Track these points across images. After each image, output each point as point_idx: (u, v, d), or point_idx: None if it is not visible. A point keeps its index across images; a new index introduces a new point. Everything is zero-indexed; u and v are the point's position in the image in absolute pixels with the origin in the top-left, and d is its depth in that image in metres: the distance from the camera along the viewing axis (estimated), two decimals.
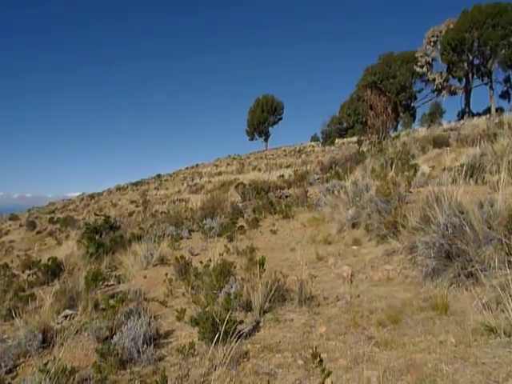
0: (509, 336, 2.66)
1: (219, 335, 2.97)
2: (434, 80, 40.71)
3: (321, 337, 3.22)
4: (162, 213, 13.73)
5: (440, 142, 13.00)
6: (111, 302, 4.17)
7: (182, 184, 30.45)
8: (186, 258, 5.73)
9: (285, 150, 44.58)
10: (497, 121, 15.96)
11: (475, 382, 2.29)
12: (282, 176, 16.99)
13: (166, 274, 5.37)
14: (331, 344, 3.07)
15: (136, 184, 39.25)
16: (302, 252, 5.58)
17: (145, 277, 6.14)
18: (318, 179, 13.54)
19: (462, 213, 3.88)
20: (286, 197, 11.78)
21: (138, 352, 3.16)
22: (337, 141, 38.99)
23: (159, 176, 42.32)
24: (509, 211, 3.53)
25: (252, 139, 59.09)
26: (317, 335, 3.27)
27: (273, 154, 43.28)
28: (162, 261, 6.83)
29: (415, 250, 4.30)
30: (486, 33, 33.77)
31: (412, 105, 44.60)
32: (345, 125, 45.77)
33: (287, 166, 27.18)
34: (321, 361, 1.94)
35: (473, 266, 3.55)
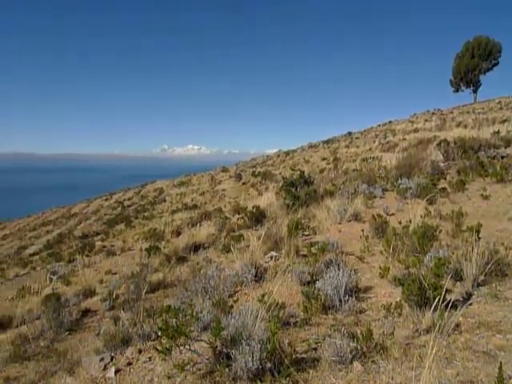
0: None
1: (426, 300, 2.78)
2: None
3: None
4: (353, 170, 13.64)
5: None
6: (313, 249, 4.42)
7: (374, 142, 29.36)
8: (383, 217, 5.55)
9: (499, 103, 37.19)
10: None
11: None
12: (498, 132, 14.27)
13: (362, 231, 5.34)
14: None
15: (327, 142, 39.96)
16: None
17: (339, 231, 6.27)
18: None
19: None
20: (502, 157, 10.00)
21: (340, 301, 3.28)
22: None
23: (350, 134, 41.88)
24: None
25: (457, 91, 51.17)
26: None
27: (483, 108, 36.73)
28: (356, 217, 6.82)
29: None
30: None
31: None
32: None
33: (503, 121, 22.71)
34: None
35: None
